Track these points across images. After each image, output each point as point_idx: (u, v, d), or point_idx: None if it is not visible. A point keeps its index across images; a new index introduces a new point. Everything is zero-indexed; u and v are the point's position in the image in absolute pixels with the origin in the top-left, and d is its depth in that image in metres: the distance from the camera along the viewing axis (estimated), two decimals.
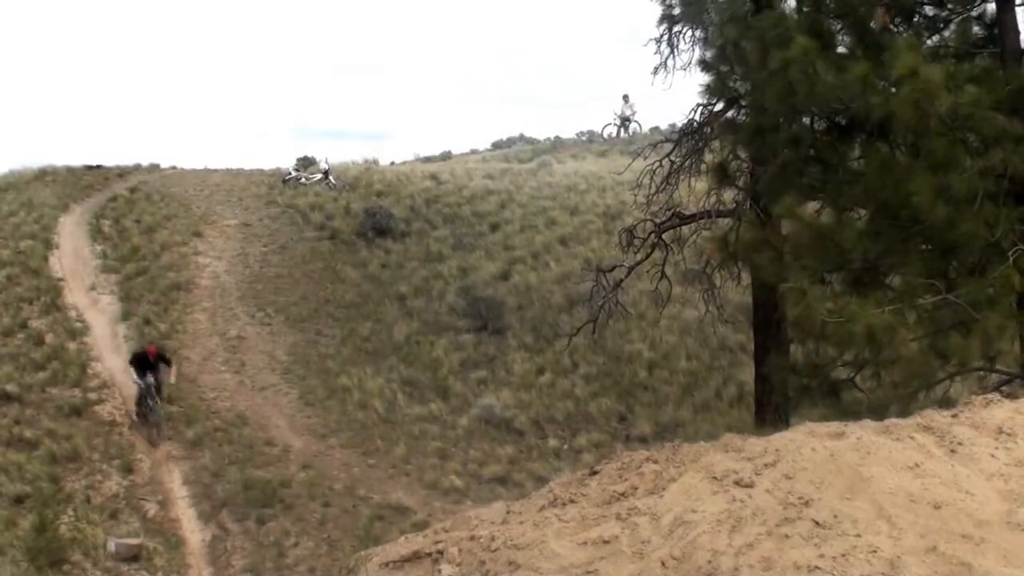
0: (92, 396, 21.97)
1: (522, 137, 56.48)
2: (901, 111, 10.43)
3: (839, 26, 12.20)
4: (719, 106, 15.17)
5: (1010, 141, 10.42)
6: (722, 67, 14.09)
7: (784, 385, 14.71)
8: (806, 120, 12.75)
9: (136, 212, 30.39)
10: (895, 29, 11.76)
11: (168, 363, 21.56)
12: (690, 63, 16.49)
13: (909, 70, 10.20)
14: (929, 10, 12.21)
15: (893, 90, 10.64)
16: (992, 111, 10.40)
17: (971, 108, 10.25)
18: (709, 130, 15.47)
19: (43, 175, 33.36)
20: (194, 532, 19.13)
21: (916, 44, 10.93)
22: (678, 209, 16.97)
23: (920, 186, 10.41)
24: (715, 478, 5.81)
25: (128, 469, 20.20)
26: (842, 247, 11.41)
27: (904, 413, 7.25)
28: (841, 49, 12.06)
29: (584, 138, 50.51)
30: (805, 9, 12.85)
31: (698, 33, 16.03)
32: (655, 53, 16.51)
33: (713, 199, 16.06)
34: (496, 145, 55.96)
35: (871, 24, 11.56)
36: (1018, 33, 11.44)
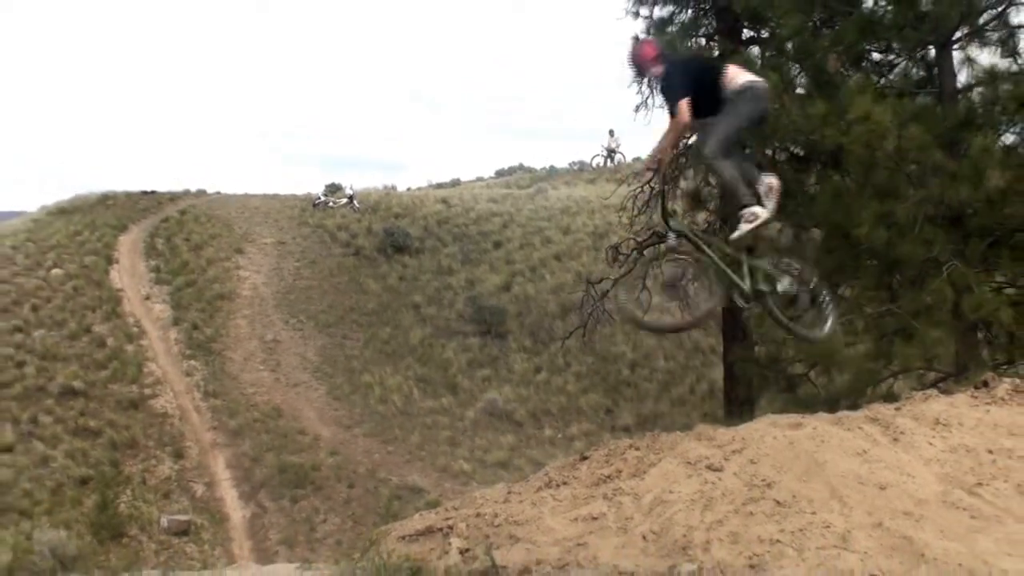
0: (147, 392, 21.97)
1: (521, 166, 56.40)
2: (854, 148, 10.46)
3: (798, 69, 12.23)
4: (693, 139, 15.15)
5: (946, 174, 10.45)
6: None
7: (749, 382, 14.71)
8: (769, 151, 12.75)
9: (185, 232, 30.41)
10: (845, 72, 11.78)
11: None
12: None
13: (864, 113, 10.23)
14: (876, 55, 12.23)
15: (845, 127, 10.66)
16: (931, 147, 10.43)
17: (914, 144, 10.29)
18: (684, 160, 15.44)
19: (105, 199, 33.35)
20: (236, 510, 19.12)
21: (869, 87, 10.97)
22: (658, 229, 16.94)
23: (863, 213, 10.44)
24: (689, 463, 5.81)
25: (179, 455, 20.20)
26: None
27: (853, 406, 7.25)
28: (799, 89, 12.08)
29: (576, 167, 50.41)
30: (769, 53, 12.89)
31: None
32: (637, 93, 16.46)
33: (688, 221, 16.04)
34: (499, 173, 55.86)
35: (826, 67, 11.58)
36: (954, 75, 11.45)
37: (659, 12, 15.42)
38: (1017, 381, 6.93)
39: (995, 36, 11.43)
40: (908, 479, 5.47)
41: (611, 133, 39.98)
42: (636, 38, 6.30)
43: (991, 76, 11.14)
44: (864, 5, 11.84)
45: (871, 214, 10.31)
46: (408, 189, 43.98)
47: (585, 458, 6.45)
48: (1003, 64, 11.31)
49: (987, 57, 11.40)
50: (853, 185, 11.05)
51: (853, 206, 10.70)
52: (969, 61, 11.39)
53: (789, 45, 12.31)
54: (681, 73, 6.02)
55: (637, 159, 39.54)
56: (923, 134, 10.28)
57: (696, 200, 15.00)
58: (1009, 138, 11.19)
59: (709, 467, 5.70)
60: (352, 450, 21.20)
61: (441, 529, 5.91)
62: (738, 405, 15.97)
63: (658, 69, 6.09)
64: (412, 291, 28.25)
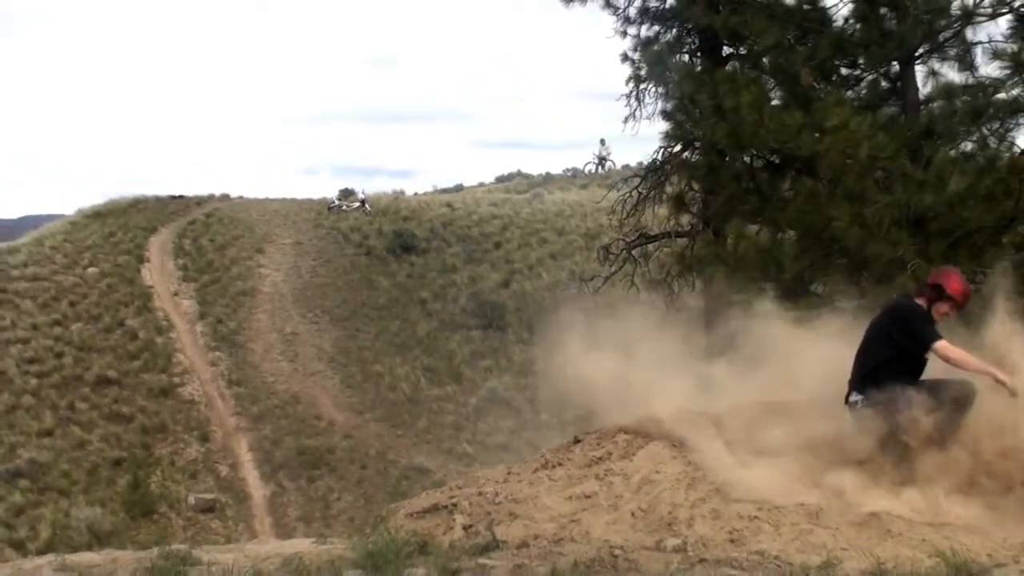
0: (176, 380, 21.98)
1: (520, 173, 56.13)
2: (830, 154, 10.44)
3: (773, 83, 12.20)
4: (677, 148, 15.12)
5: (913, 180, 10.44)
6: (679, 116, 14.06)
7: None
8: (747, 159, 12.73)
9: (211, 233, 30.35)
10: (816, 86, 11.76)
11: None
12: (654, 114, 16.41)
13: (841, 122, 10.23)
14: (844, 70, 12.21)
15: (818, 135, 10.64)
16: (900, 155, 10.44)
17: (886, 152, 10.29)
18: (669, 167, 15.41)
19: (136, 203, 33.22)
20: (257, 489, 19.14)
21: (845, 100, 10.98)
22: (645, 230, 16.92)
23: (840, 214, 10.43)
24: (674, 445, 5.80)
25: (205, 438, 20.22)
26: (778, 262, 11.39)
27: None
28: (775, 101, 12.04)
29: (570, 174, 50.22)
30: (747, 68, 12.86)
31: (660, 89, 15.96)
32: (625, 106, 16.41)
33: (672, 223, 16.02)
34: (499, 179, 55.58)
35: (799, 81, 11.55)
36: (917, 88, 11.44)
37: (645, 32, 15.39)
38: None
39: (953, 52, 11.43)
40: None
41: (602, 142, 39.90)
42: (957, 272, 5.87)
43: (947, 91, 11.16)
44: (834, 24, 11.83)
45: (847, 213, 10.32)
46: (415, 194, 43.73)
47: (578, 441, 6.44)
48: (960, 79, 11.32)
49: (948, 71, 11.41)
50: (826, 189, 11.03)
51: (826, 208, 10.69)
52: (933, 74, 11.40)
53: (765, 60, 12.29)
54: None
55: (626, 166, 39.48)
56: (892, 142, 10.28)
57: (680, 204, 14.97)
58: (967, 147, 11.20)
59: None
60: (364, 434, 21.22)
61: (446, 507, 5.91)
62: None
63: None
64: (419, 288, 28.23)
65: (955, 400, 5.39)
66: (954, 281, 5.62)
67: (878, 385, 5.42)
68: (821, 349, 6.08)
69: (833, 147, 10.34)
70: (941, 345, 5.30)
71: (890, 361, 5.46)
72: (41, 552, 13.07)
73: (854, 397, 5.55)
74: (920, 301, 5.62)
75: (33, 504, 17.46)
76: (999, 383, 5.10)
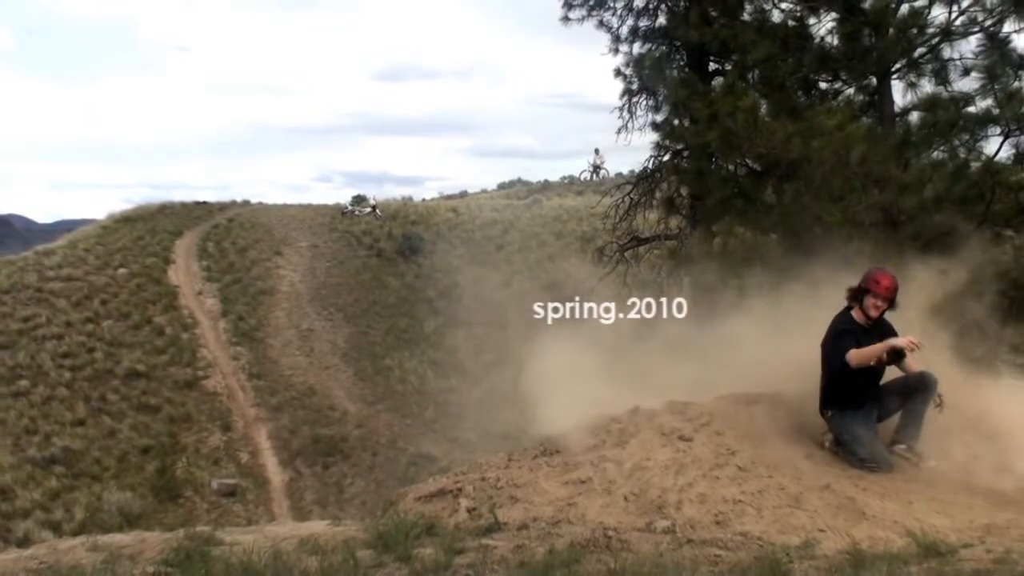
0: (200, 374, 21.98)
1: (520, 180, 55.99)
2: (823, 154, 10.42)
3: (757, 95, 12.19)
4: (666, 156, 15.11)
5: (897, 185, 10.45)
6: (673, 119, 14.05)
7: None
8: (731, 167, 12.71)
9: (232, 236, 30.34)
10: (800, 98, 11.76)
11: None
12: (645, 125, 16.41)
13: (839, 124, 10.25)
14: (823, 85, 12.21)
15: (810, 140, 10.62)
16: (888, 160, 10.44)
17: (877, 157, 10.29)
18: (659, 174, 15.40)
19: (163, 209, 33.17)
20: (276, 475, 19.15)
21: (835, 108, 11.00)
22: (636, 234, 16.92)
23: (827, 212, 10.43)
24: (664, 434, 5.80)
25: (227, 428, 20.22)
26: (765, 260, 11.38)
27: None
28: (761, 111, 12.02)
29: (566, 181, 50.09)
30: (730, 82, 12.86)
31: (651, 102, 15.95)
32: (619, 118, 16.41)
33: (662, 226, 16.02)
34: (501, 186, 55.40)
35: (786, 91, 11.56)
36: (893, 101, 11.43)
37: (637, 49, 15.38)
38: None
39: (929, 68, 11.41)
40: None
41: (596, 151, 39.86)
42: (877, 269, 6.01)
43: (931, 103, 11.15)
44: (815, 40, 11.82)
45: (833, 213, 10.32)
46: (423, 200, 43.66)
47: (574, 431, 6.44)
48: (941, 92, 11.30)
49: (924, 86, 11.40)
50: (809, 192, 10.99)
51: (811, 209, 10.68)
52: (912, 87, 11.38)
53: (751, 75, 12.26)
54: None
55: (619, 174, 39.40)
56: (876, 150, 10.29)
57: (670, 206, 14.97)
58: (939, 156, 11.18)
59: (681, 437, 5.69)
60: (375, 423, 21.22)
61: (451, 491, 5.91)
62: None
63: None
64: (426, 287, 28.24)
65: (917, 390, 5.65)
66: (872, 278, 5.77)
67: (846, 397, 5.70)
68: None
69: (827, 148, 10.32)
70: (849, 356, 5.53)
71: (847, 371, 5.62)
72: (75, 533, 13.09)
73: (825, 409, 5.82)
74: (854, 310, 5.81)
75: (67, 489, 17.46)
76: (896, 349, 5.45)
